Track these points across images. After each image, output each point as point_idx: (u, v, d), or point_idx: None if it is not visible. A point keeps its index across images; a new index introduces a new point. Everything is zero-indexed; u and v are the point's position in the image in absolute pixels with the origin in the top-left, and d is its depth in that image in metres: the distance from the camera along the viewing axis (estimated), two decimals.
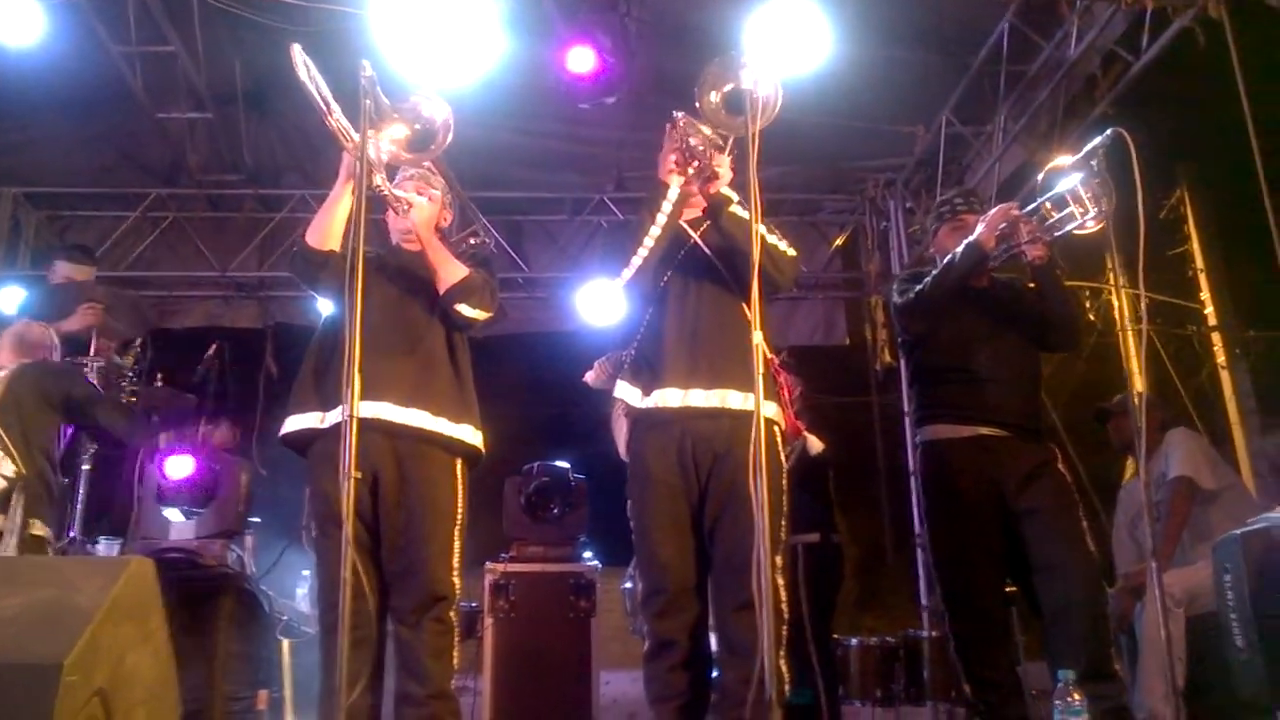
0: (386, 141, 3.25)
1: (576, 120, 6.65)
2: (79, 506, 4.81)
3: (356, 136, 3.10)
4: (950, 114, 7.01)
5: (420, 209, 3.49)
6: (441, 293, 3.48)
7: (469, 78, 5.51)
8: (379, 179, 3.27)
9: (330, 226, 3.43)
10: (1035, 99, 6.41)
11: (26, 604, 2.15)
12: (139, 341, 5.27)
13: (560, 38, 5.57)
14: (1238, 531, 2.94)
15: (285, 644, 3.51)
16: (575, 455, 5.87)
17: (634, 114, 6.18)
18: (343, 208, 3.40)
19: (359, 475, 2.77)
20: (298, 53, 3.10)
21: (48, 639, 2.10)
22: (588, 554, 5.37)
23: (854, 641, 5.85)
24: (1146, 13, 5.50)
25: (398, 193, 3.46)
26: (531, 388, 7.60)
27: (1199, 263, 9.42)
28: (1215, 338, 9.29)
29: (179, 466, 4.88)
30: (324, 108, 3.20)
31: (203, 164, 7.46)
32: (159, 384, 5.41)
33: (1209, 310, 9.32)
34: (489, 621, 5.05)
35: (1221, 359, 9.23)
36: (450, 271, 3.48)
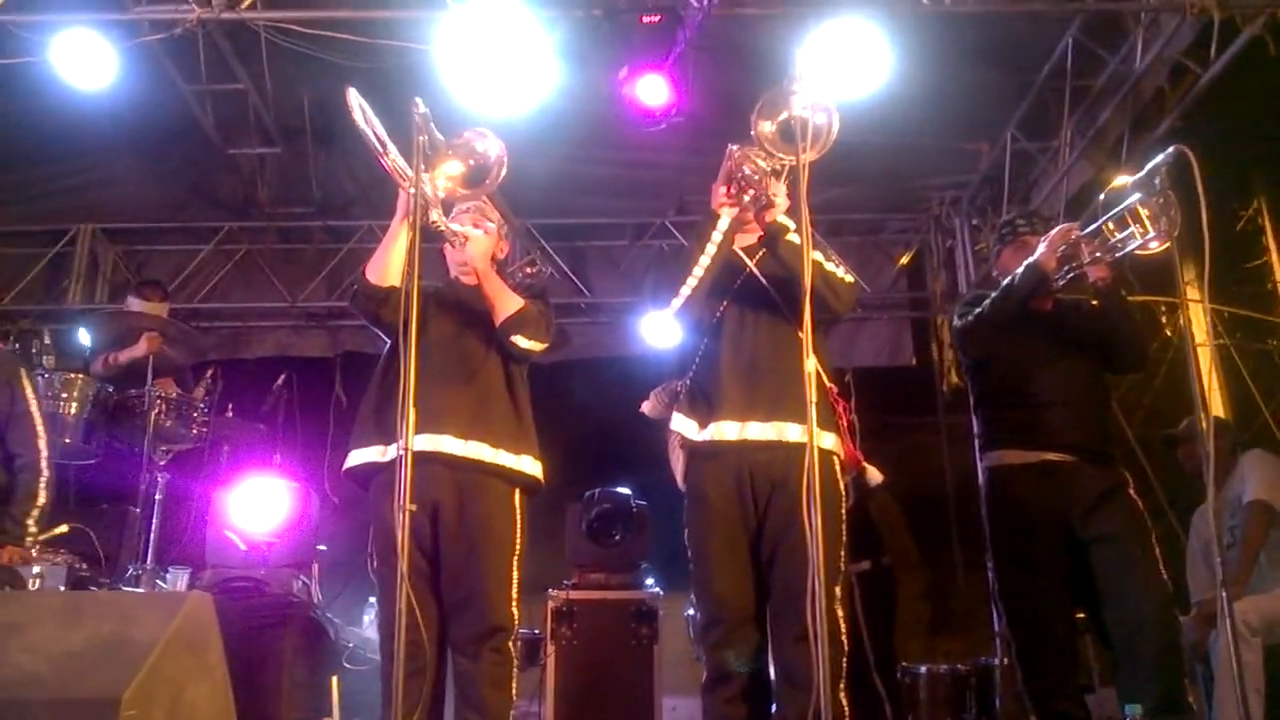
0: (442, 178, 3.30)
1: (635, 146, 6.67)
2: (151, 536, 4.91)
3: (412, 174, 3.15)
4: (1015, 130, 6.91)
5: (476, 242, 3.53)
6: (497, 325, 3.51)
7: (526, 107, 5.56)
8: (435, 214, 3.32)
9: (389, 263, 3.48)
10: (1101, 114, 6.30)
11: (87, 638, 2.21)
12: (210, 373, 5.39)
13: (620, 65, 5.60)
14: None
15: (334, 679, 3.53)
16: (638, 481, 5.86)
17: (693, 138, 6.18)
18: (400, 244, 3.45)
19: (414, 508, 2.80)
20: (353, 96, 3.17)
21: (107, 673, 2.14)
22: (650, 580, 5.35)
23: (923, 670, 5.74)
24: (1214, 22, 5.38)
25: (454, 226, 3.50)
26: (594, 413, 7.60)
27: (1278, 275, 9.14)
28: None
29: (249, 495, 4.97)
30: (379, 148, 3.26)
31: (272, 197, 7.64)
32: (229, 414, 5.53)
33: None
34: (551, 649, 5.06)
35: None
36: (506, 304, 3.52)
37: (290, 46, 5.78)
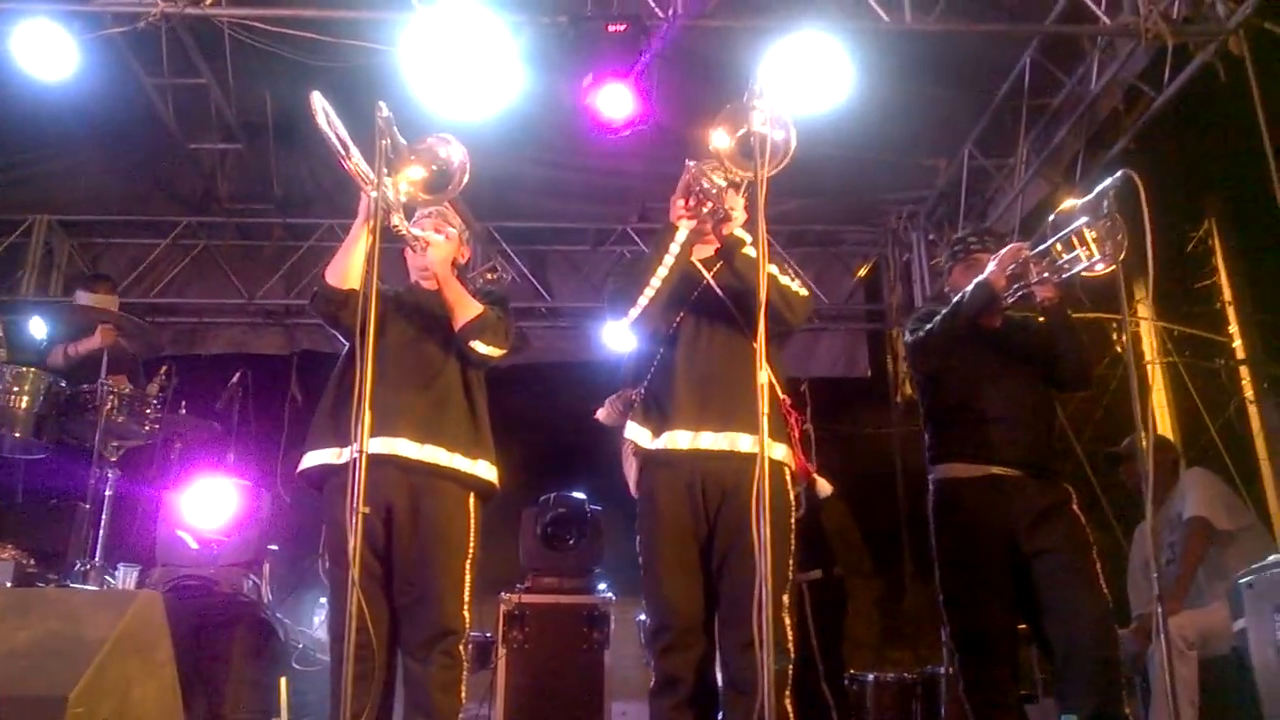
0: (404, 183, 3.30)
1: (599, 153, 6.71)
2: (101, 532, 4.86)
3: (374, 177, 3.16)
4: (973, 147, 7.02)
5: (437, 248, 3.54)
6: (456, 330, 3.53)
7: (491, 111, 5.59)
8: (396, 219, 3.32)
9: (349, 266, 3.48)
10: (1057, 133, 6.42)
11: (35, 637, 2.20)
12: (164, 369, 5.34)
13: (585, 72, 5.62)
14: None
15: (283, 680, 3.53)
16: (594, 486, 5.89)
17: (657, 146, 6.21)
18: (361, 247, 3.45)
19: (367, 510, 2.82)
20: (317, 99, 3.17)
21: (54, 672, 2.14)
22: (602, 585, 5.37)
23: (871, 678, 5.81)
24: (1168, 48, 5.50)
25: (415, 231, 3.51)
26: (553, 417, 7.63)
27: (1226, 295, 9.32)
28: (1243, 372, 9.18)
29: (200, 494, 4.94)
30: (341, 151, 3.26)
31: (232, 193, 7.60)
32: (183, 411, 5.49)
33: (1237, 344, 9.21)
34: (502, 651, 5.07)
35: (1250, 393, 9.11)
36: (465, 309, 3.53)
37: (253, 43, 5.76)
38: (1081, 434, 8.51)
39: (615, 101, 5.49)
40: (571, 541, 5.47)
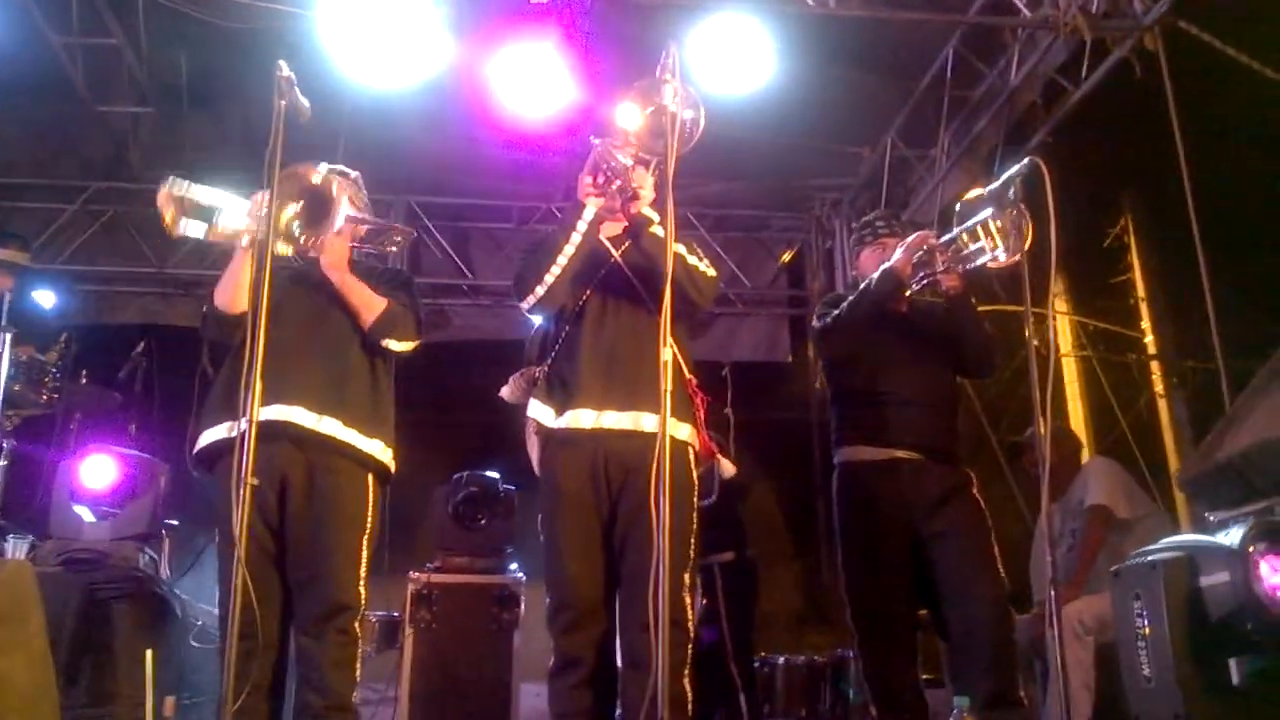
0: (292, 228, 3.23)
1: (520, 129, 6.63)
2: None
3: (249, 225, 3.08)
4: (895, 136, 7.06)
5: (331, 251, 3.41)
6: (366, 331, 3.46)
7: (409, 80, 5.50)
8: (282, 248, 3.23)
9: (237, 290, 3.36)
10: (976, 125, 6.47)
11: None
12: (63, 337, 5.18)
13: (505, 45, 5.54)
14: (1151, 560, 2.97)
15: (149, 653, 3.43)
16: (513, 465, 5.81)
17: (579, 124, 6.16)
18: (246, 272, 3.31)
19: (255, 482, 2.74)
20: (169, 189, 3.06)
21: None
22: (514, 565, 5.32)
23: (781, 660, 5.85)
24: (1086, 43, 5.57)
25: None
26: (472, 395, 7.53)
27: (1140, 291, 9.52)
28: (1155, 366, 9.38)
29: (95, 466, 4.80)
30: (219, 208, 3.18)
31: (145, 159, 7.36)
32: (83, 381, 5.33)
33: (1149, 339, 9.41)
34: (410, 631, 4.99)
35: (1160, 388, 9.32)
36: (370, 306, 3.46)
37: (167, 4, 5.59)
38: (998, 424, 8.64)
39: (538, 76, 5.42)
40: (483, 521, 5.38)
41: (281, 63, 3.05)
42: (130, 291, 7.87)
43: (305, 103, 3.18)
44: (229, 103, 6.81)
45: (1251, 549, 2.76)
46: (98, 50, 6.23)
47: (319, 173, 3.22)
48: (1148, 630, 2.92)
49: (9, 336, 4.94)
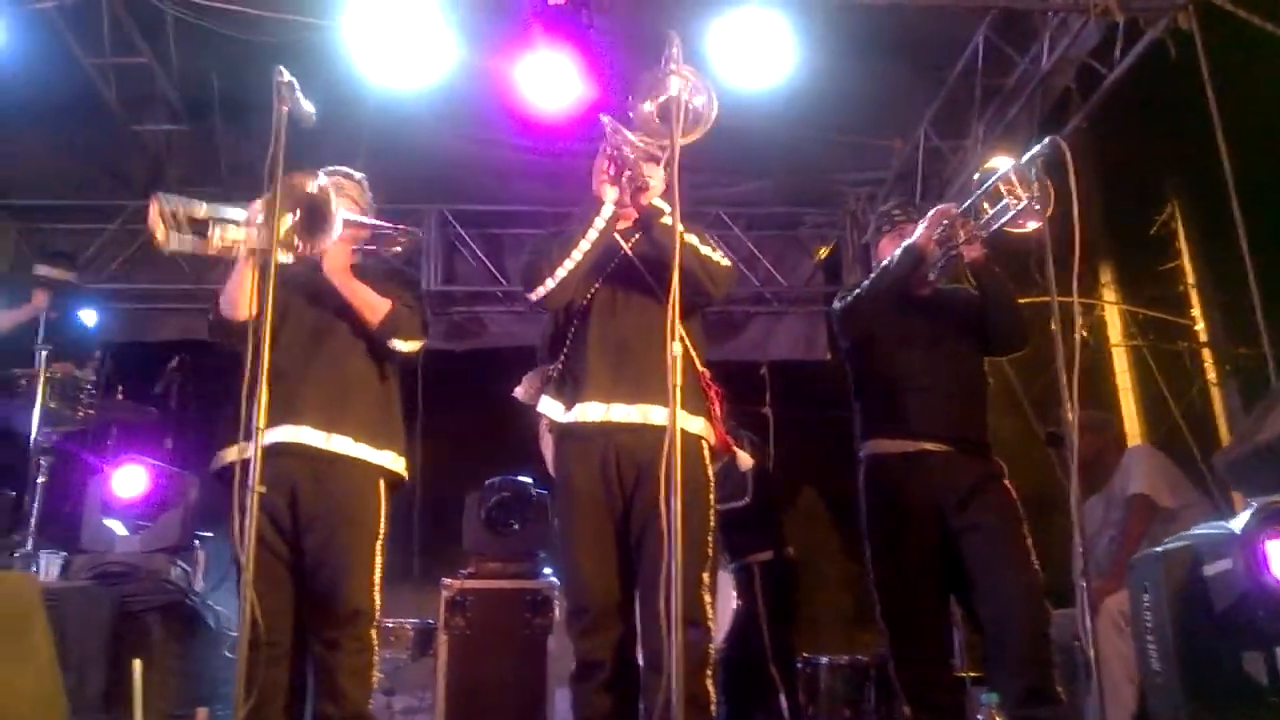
0: (290, 239, 3.20)
1: (544, 133, 6.62)
2: (33, 519, 4.76)
3: (246, 235, 3.09)
4: (928, 127, 6.94)
5: (332, 256, 3.40)
6: (373, 332, 3.44)
7: (432, 87, 5.50)
8: (283, 257, 3.21)
9: (241, 297, 3.33)
10: (1011, 112, 6.35)
11: None
12: (97, 353, 5.23)
13: (525, 50, 5.53)
14: (1158, 549, 2.86)
15: (136, 663, 3.43)
16: (545, 469, 5.79)
17: (600, 125, 6.13)
18: (248, 278, 3.27)
19: (264, 489, 2.74)
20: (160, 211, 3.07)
21: None
22: (547, 570, 5.28)
23: (824, 660, 5.76)
24: (1119, 25, 5.44)
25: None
26: (507, 401, 7.53)
27: (1190, 278, 9.30)
28: (1207, 354, 9.16)
29: (126, 479, 4.84)
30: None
31: (180, 176, 7.43)
32: (120, 397, 5.38)
33: (1199, 326, 9.20)
34: (444, 638, 4.97)
35: (1213, 376, 9.10)
36: (373, 310, 3.43)
37: (195, 21, 5.65)
38: (1045, 420, 8.47)
39: (560, 78, 5.40)
40: (516, 526, 5.36)
41: (280, 68, 3.05)
42: (167, 308, 7.96)
43: (310, 108, 3.19)
44: (259, 116, 6.83)
45: (1258, 533, 2.59)
46: (129, 70, 6.31)
47: (315, 180, 3.20)
48: (1153, 623, 2.80)
49: (45, 354, 5.02)
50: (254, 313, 2.95)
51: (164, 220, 3.07)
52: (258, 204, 3.11)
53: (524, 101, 5.77)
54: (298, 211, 3.17)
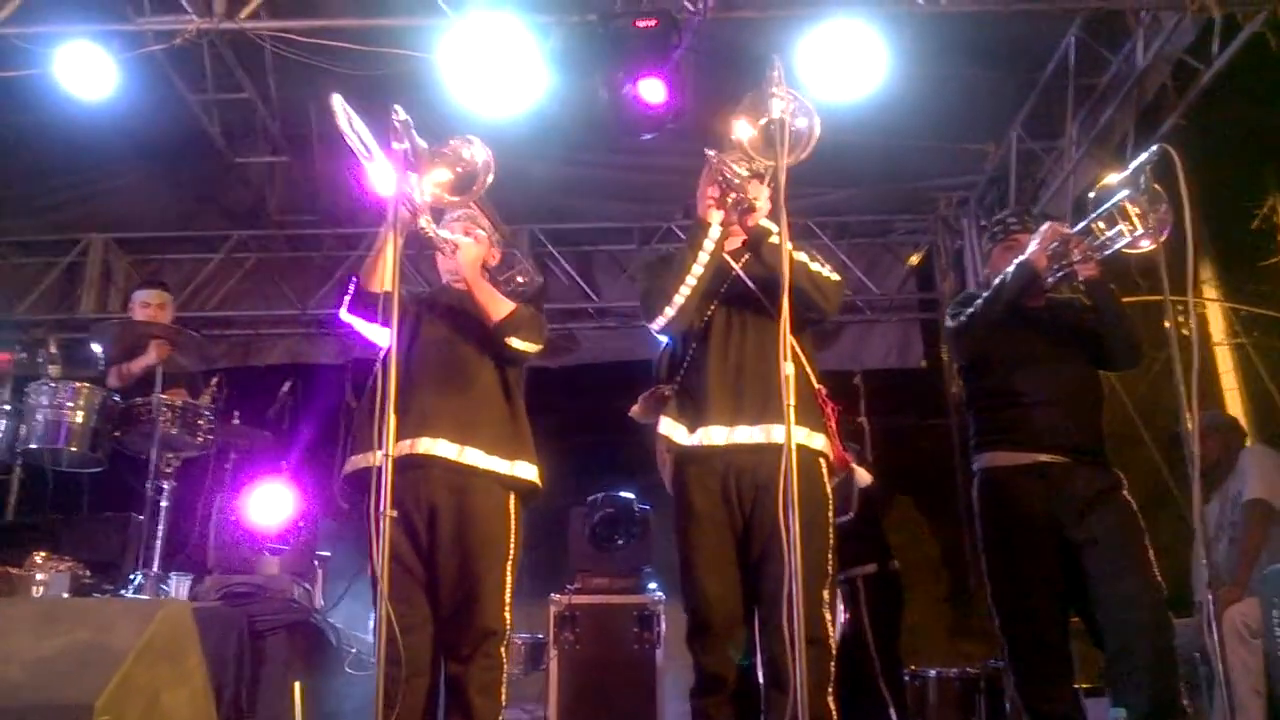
0: (429, 185, 3.30)
1: (634, 150, 6.70)
2: (157, 543, 4.93)
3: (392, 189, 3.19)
4: (1020, 130, 6.89)
5: (466, 250, 3.55)
6: (491, 327, 3.53)
7: (524, 111, 5.61)
8: (423, 221, 3.34)
9: (379, 270, 3.48)
10: (1105, 112, 6.26)
11: (63, 645, 2.24)
12: (215, 380, 5.41)
13: (618, 69, 5.60)
14: None
15: (296, 685, 3.55)
16: (645, 484, 5.85)
17: (695, 141, 6.17)
18: (389, 251, 3.45)
19: (394, 514, 2.85)
20: (337, 102, 3.19)
21: (81, 680, 2.17)
22: (653, 585, 5.34)
23: (932, 673, 5.71)
24: (1215, 20, 5.35)
25: (443, 234, 3.52)
26: (603, 417, 7.60)
27: None
28: None
29: (251, 502, 5.01)
30: (365, 153, 3.28)
31: (281, 205, 7.69)
32: (235, 421, 5.56)
33: None
34: (554, 653, 5.07)
35: None
36: (498, 308, 3.53)
37: (294, 56, 5.83)
38: (1150, 421, 8.30)
39: (650, 96, 5.46)
40: (621, 541, 5.45)
41: (397, 107, 3.14)
42: (275, 334, 8.21)
43: (424, 144, 3.28)
44: None
45: None
46: (231, 105, 6.56)
47: (470, 145, 3.30)
48: None
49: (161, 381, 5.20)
50: (387, 286, 3.13)
51: (344, 111, 3.18)
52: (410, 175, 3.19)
53: (613, 121, 5.85)
54: (457, 169, 3.27)
